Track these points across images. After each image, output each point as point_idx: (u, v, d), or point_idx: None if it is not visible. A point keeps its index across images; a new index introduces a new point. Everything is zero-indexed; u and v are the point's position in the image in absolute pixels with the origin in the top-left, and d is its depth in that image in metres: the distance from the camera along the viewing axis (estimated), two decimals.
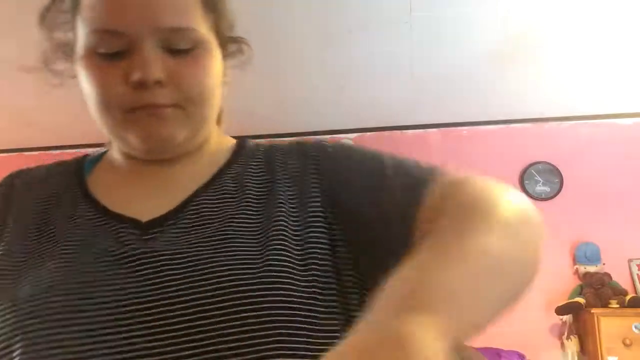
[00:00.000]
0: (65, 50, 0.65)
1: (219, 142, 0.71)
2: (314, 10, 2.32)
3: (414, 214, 0.56)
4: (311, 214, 0.60)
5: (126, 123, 0.60)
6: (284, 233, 0.57)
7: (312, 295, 0.54)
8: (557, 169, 3.49)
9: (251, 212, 0.60)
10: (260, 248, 0.56)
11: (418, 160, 0.64)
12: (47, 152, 3.75)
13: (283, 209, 0.60)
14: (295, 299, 0.53)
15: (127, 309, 0.52)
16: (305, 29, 2.47)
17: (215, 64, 0.63)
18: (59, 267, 0.56)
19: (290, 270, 0.54)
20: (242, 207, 0.60)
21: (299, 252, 0.56)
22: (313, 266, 0.56)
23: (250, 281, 0.52)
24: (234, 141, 0.73)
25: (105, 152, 0.73)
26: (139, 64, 0.57)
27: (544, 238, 0.52)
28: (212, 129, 0.69)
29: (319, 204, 0.60)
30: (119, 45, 0.58)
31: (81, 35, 0.60)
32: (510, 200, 0.52)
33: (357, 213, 0.59)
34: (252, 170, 0.65)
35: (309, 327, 0.53)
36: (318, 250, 0.57)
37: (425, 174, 0.60)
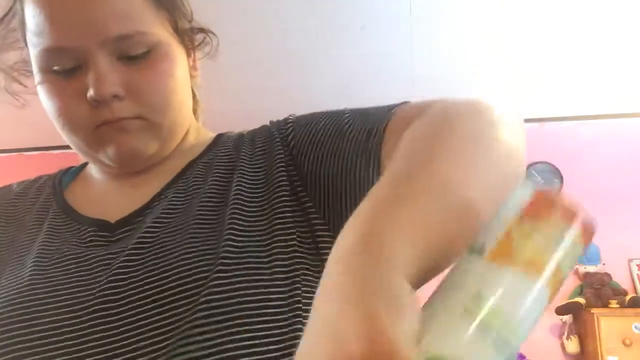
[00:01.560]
0: (24, 67, 0.64)
1: (197, 138, 0.69)
2: (315, 9, 2.32)
3: (378, 151, 0.52)
4: (276, 186, 0.57)
5: (93, 142, 0.59)
6: (240, 215, 0.54)
7: (274, 281, 0.50)
8: (557, 169, 3.49)
9: (214, 199, 0.57)
10: (216, 237, 0.53)
11: (381, 105, 0.61)
12: (47, 152, 3.75)
13: (241, 189, 0.57)
14: (256, 291, 0.49)
15: (88, 310, 0.50)
16: (307, 29, 2.47)
17: (177, 63, 0.61)
18: (28, 275, 0.55)
19: (249, 259, 0.51)
20: (207, 195, 0.58)
21: (261, 232, 0.54)
22: (276, 246, 0.53)
23: (206, 275, 0.49)
24: (212, 135, 0.71)
25: (84, 166, 0.72)
26: (92, 80, 0.55)
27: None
28: (191, 127, 0.68)
29: (284, 174, 0.58)
30: (72, 61, 0.56)
31: (33, 54, 0.58)
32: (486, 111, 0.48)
33: (321, 172, 0.56)
34: (221, 157, 0.64)
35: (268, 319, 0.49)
36: (282, 225, 0.54)
37: (385, 110, 0.57)
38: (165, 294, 0.49)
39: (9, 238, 0.62)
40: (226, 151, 0.64)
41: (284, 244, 0.53)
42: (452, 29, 2.49)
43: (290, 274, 0.52)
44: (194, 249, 0.51)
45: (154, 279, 0.50)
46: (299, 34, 2.49)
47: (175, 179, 0.62)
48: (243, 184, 0.58)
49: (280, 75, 2.89)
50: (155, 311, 0.49)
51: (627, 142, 3.46)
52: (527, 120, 3.56)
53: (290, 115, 0.66)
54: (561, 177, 3.48)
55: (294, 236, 0.54)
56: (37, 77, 0.59)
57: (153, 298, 0.49)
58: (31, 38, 0.58)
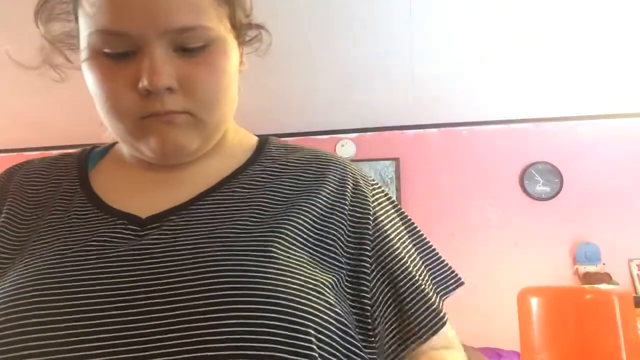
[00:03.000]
0: (69, 41, 0.61)
1: (238, 139, 0.68)
2: (314, 9, 2.32)
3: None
4: (361, 260, 0.59)
5: (137, 131, 0.57)
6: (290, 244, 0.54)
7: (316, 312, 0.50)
8: (557, 169, 3.49)
9: (260, 218, 0.56)
10: (261, 252, 0.52)
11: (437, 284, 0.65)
12: (47, 152, 3.75)
13: (300, 215, 0.57)
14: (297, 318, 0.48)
15: (109, 307, 0.48)
16: (306, 29, 2.47)
17: (231, 59, 0.59)
18: (45, 264, 0.53)
19: (298, 289, 0.50)
20: (251, 210, 0.57)
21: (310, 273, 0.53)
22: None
23: (246, 292, 0.48)
24: (255, 139, 0.69)
25: (113, 145, 0.69)
26: (146, 69, 0.53)
27: None
28: (229, 126, 0.66)
29: (368, 265, 0.59)
30: (126, 46, 0.54)
31: (84, 33, 0.56)
32: None
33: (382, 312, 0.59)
34: (276, 174, 0.62)
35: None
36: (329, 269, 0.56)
37: (432, 322, 0.61)
38: (193, 318, 0.47)
39: (30, 220, 0.60)
40: (282, 170, 0.63)
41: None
42: (452, 29, 2.49)
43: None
44: (233, 280, 0.49)
45: (184, 297, 0.48)
46: (298, 33, 2.49)
47: (216, 187, 0.60)
48: (304, 213, 0.58)
49: (280, 75, 2.89)
50: (178, 333, 0.47)
51: (627, 142, 3.46)
52: (526, 120, 3.56)
53: (386, 204, 0.65)
54: (561, 177, 3.48)
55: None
56: (84, 54, 0.56)
57: (180, 318, 0.47)
58: (85, 15, 0.55)
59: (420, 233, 0.68)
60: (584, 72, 2.93)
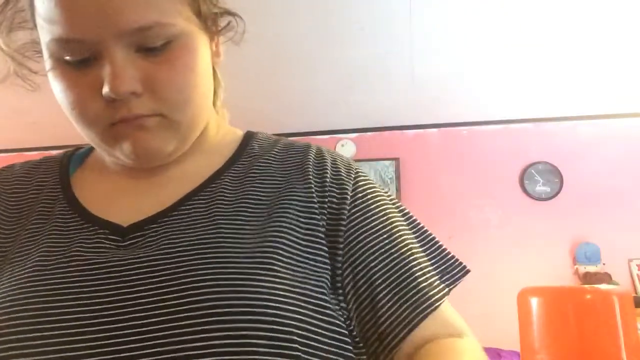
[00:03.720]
0: (35, 49, 0.58)
1: (220, 135, 0.66)
2: (314, 10, 2.31)
3: (397, 344, 0.55)
4: (318, 251, 0.55)
5: (109, 138, 0.55)
6: (280, 249, 0.52)
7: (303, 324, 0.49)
8: (557, 169, 3.49)
9: (246, 220, 0.54)
10: (249, 262, 0.50)
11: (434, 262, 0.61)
12: (47, 152, 3.74)
13: (286, 220, 0.55)
14: (283, 330, 0.47)
15: (93, 322, 0.47)
16: (306, 29, 2.47)
17: (198, 54, 0.56)
18: (27, 276, 0.51)
19: (281, 297, 0.49)
20: (236, 212, 0.55)
21: (295, 272, 0.52)
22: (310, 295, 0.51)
23: (233, 303, 0.46)
24: (240, 134, 0.67)
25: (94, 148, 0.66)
26: (108, 75, 0.51)
27: None
28: (210, 119, 0.64)
29: (326, 252, 0.56)
30: (85, 52, 0.51)
31: (43, 41, 0.54)
32: None
33: (359, 298, 0.56)
34: (259, 171, 0.60)
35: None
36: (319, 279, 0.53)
37: (431, 299, 0.57)
38: (177, 338, 0.46)
39: (12, 230, 0.58)
40: (267, 165, 0.61)
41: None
42: (452, 29, 2.49)
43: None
44: (221, 286, 0.48)
45: (169, 310, 0.47)
46: (298, 34, 2.49)
47: (199, 189, 0.58)
48: (290, 215, 0.55)
49: (280, 75, 2.89)
50: (162, 339, 0.46)
51: (626, 142, 3.46)
52: (527, 120, 3.56)
53: (361, 185, 0.61)
54: (561, 177, 3.48)
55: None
56: (47, 64, 0.54)
57: (162, 326, 0.46)
58: (41, 24, 0.53)
59: (417, 222, 0.65)
60: (584, 72, 2.93)
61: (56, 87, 0.54)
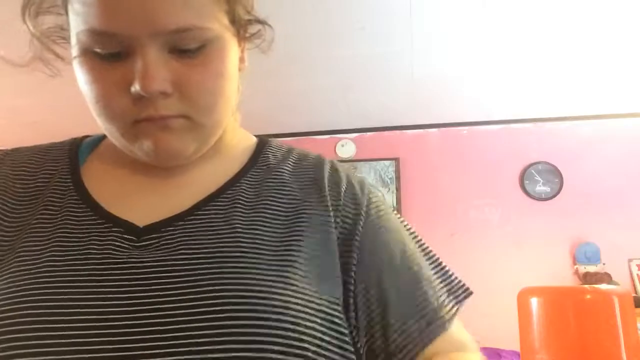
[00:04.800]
0: (60, 34, 0.57)
1: (236, 140, 0.66)
2: (314, 10, 2.31)
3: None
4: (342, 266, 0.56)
5: (130, 135, 0.54)
6: (301, 265, 0.53)
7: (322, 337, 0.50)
8: (557, 169, 3.49)
9: (263, 231, 0.55)
10: (268, 274, 0.50)
11: (443, 286, 0.61)
12: None
13: (304, 235, 0.55)
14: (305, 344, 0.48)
15: (109, 324, 0.47)
16: (306, 29, 2.47)
17: (229, 59, 0.56)
18: (42, 270, 0.50)
19: (304, 314, 0.49)
20: (254, 222, 0.55)
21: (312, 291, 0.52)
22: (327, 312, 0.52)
23: (250, 315, 0.47)
24: (253, 141, 0.67)
25: (105, 136, 0.63)
26: (139, 73, 0.50)
27: None
28: (227, 125, 0.63)
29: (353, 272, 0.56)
30: (117, 46, 0.51)
31: (73, 30, 0.52)
32: None
33: (369, 317, 0.56)
34: (275, 181, 0.60)
35: None
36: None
37: (440, 319, 0.58)
38: (192, 340, 0.46)
39: (20, 217, 0.57)
40: (281, 174, 0.61)
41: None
42: (452, 29, 2.49)
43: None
44: (240, 295, 0.48)
45: (186, 318, 0.46)
46: (298, 34, 2.49)
47: (215, 194, 0.58)
48: (307, 230, 0.56)
49: (280, 75, 2.89)
50: (178, 348, 0.46)
51: (627, 142, 3.46)
52: (527, 120, 3.56)
53: (375, 203, 0.62)
54: (561, 177, 3.48)
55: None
56: (74, 51, 0.53)
57: (178, 334, 0.46)
58: (75, 11, 0.51)
59: (423, 242, 0.65)
60: (584, 72, 2.93)
61: (81, 78, 0.53)
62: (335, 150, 3.71)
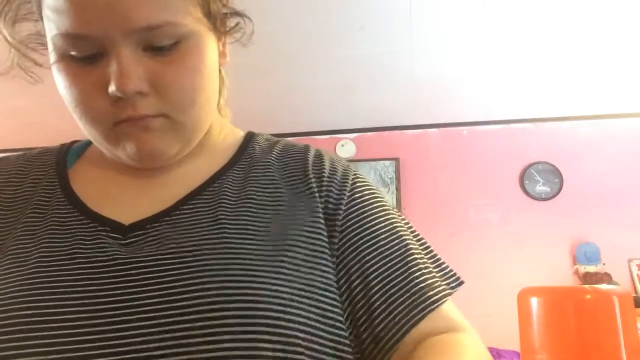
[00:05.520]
0: (40, 41, 0.57)
1: (222, 137, 0.65)
2: (314, 10, 2.31)
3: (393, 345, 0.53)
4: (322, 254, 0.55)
5: (112, 137, 0.54)
6: (296, 256, 0.52)
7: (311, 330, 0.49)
8: (557, 169, 3.49)
9: (250, 221, 0.54)
10: (256, 263, 0.50)
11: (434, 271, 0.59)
12: None
13: (291, 223, 0.55)
14: (292, 333, 0.48)
15: (99, 321, 0.47)
16: (306, 29, 2.47)
17: (206, 55, 0.55)
18: (30, 273, 0.50)
19: (295, 301, 0.49)
20: (239, 213, 0.55)
21: (305, 280, 0.52)
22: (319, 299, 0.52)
23: (240, 306, 0.47)
24: (240, 135, 0.67)
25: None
26: (114, 73, 0.50)
27: None
28: (214, 121, 0.63)
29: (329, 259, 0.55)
30: (91, 48, 0.50)
31: (49, 34, 0.52)
32: None
33: (354, 296, 0.55)
34: (260, 172, 0.60)
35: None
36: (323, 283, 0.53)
37: (429, 302, 0.56)
38: (184, 340, 0.46)
39: (7, 222, 0.57)
40: (266, 167, 0.61)
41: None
42: (452, 29, 2.49)
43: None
44: (228, 288, 0.48)
45: (177, 311, 0.47)
46: (298, 34, 2.49)
47: (200, 189, 0.57)
48: (294, 217, 0.55)
49: (280, 75, 2.89)
50: (169, 341, 0.46)
51: (627, 142, 3.46)
52: (527, 120, 3.56)
53: (359, 189, 0.61)
54: (561, 177, 3.48)
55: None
56: (52, 57, 0.53)
57: (169, 327, 0.46)
58: (48, 16, 0.51)
59: (414, 229, 0.64)
60: (584, 72, 2.93)
61: (60, 82, 0.53)
62: (335, 150, 3.71)
